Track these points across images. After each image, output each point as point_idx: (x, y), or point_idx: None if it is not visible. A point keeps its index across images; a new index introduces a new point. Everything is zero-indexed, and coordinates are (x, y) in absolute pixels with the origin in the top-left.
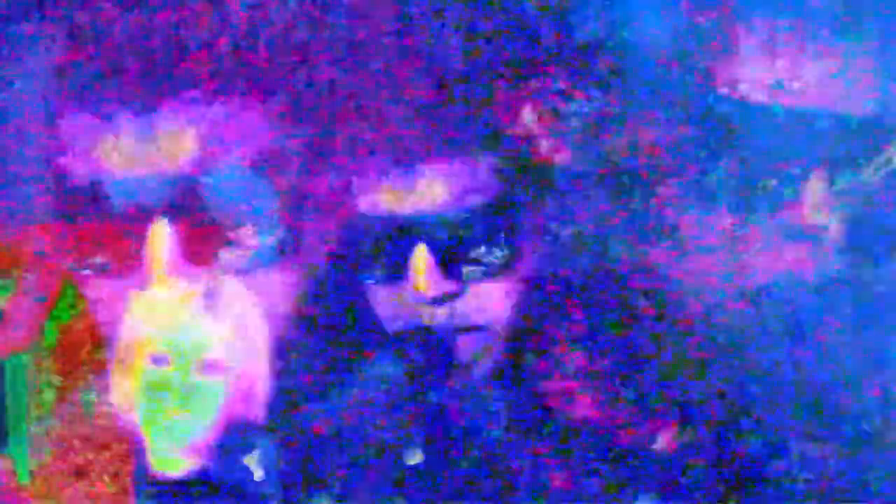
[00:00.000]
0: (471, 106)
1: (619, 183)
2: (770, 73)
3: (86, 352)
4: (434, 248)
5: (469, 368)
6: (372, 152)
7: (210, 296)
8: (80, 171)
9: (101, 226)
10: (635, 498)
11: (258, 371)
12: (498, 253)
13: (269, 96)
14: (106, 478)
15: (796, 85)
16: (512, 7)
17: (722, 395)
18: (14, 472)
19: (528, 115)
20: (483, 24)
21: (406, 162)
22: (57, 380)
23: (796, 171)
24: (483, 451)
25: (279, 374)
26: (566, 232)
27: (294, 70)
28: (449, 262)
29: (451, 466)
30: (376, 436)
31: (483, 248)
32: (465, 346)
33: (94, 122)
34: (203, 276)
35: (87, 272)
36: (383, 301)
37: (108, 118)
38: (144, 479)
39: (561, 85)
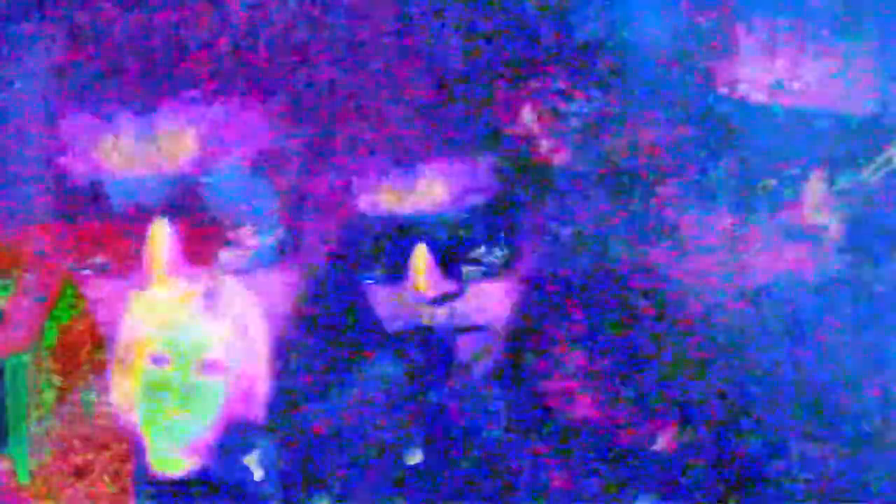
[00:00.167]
0: (471, 106)
1: (619, 183)
2: (770, 74)
3: (85, 352)
4: (434, 247)
5: (469, 368)
6: (372, 152)
7: (209, 296)
8: (79, 170)
9: (102, 226)
10: (635, 498)
11: (258, 371)
12: (498, 252)
13: (268, 96)
14: (106, 478)
15: (796, 85)
16: (512, 7)
17: (722, 395)
18: (14, 472)
19: (527, 114)
20: (483, 24)
21: (406, 162)
22: (57, 380)
23: (796, 171)
24: (483, 451)
25: (280, 374)
26: (566, 232)
27: (294, 70)
28: (449, 261)
29: (450, 466)
30: (376, 436)
31: (483, 248)
32: (465, 346)
33: (94, 122)
34: (203, 277)
35: (87, 272)
36: (383, 301)
37: (107, 118)
38: (144, 479)
39: (561, 85)
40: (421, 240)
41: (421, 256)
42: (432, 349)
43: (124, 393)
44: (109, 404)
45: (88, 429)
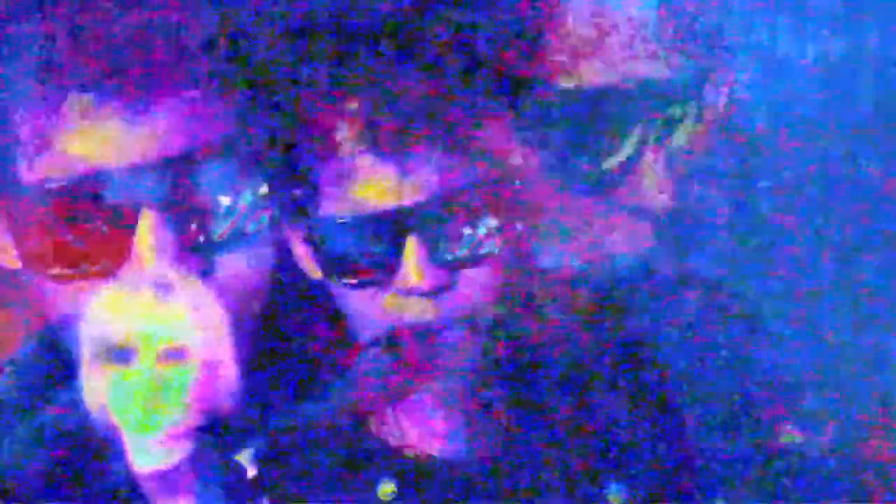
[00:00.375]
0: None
1: None
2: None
3: None
4: (423, 238)
5: (458, 364)
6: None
7: (163, 286)
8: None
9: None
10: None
11: (223, 357)
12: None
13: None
14: None
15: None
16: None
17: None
18: None
19: None
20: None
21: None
22: None
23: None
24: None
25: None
26: None
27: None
28: (437, 249)
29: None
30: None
31: (469, 229)
32: (454, 341)
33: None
34: (159, 267)
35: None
36: (367, 300)
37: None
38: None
39: None
40: (411, 232)
41: (412, 249)
42: (421, 346)
43: (93, 391)
44: None
45: None
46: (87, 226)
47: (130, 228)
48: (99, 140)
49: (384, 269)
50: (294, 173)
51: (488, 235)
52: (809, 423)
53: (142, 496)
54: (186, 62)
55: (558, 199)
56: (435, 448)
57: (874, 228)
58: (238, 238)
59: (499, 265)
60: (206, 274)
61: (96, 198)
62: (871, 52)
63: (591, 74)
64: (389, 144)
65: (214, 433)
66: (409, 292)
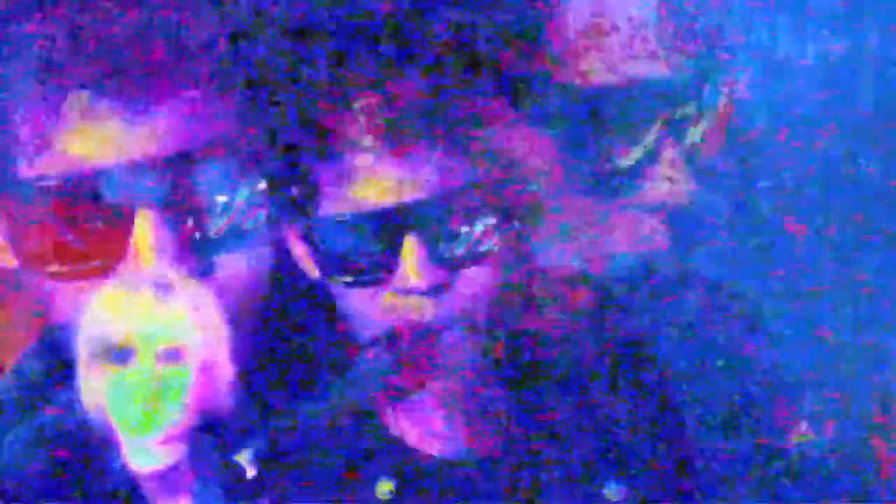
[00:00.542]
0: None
1: None
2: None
3: None
4: (421, 237)
5: (458, 364)
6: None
7: (163, 286)
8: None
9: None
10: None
11: (222, 358)
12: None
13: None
14: None
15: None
16: None
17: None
18: None
19: None
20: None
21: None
22: None
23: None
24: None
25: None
26: None
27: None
28: (436, 248)
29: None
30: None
31: (468, 228)
32: (454, 341)
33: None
34: (158, 267)
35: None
36: (367, 300)
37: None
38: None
39: None
40: (409, 231)
41: (410, 248)
42: (423, 344)
43: (91, 391)
44: None
45: None
46: (85, 225)
47: (129, 227)
48: (98, 139)
49: (383, 268)
50: (293, 172)
51: (487, 234)
52: (815, 422)
53: (141, 496)
54: (186, 62)
55: (560, 198)
56: (435, 448)
57: (874, 228)
58: (236, 236)
59: (498, 264)
60: (205, 273)
61: (95, 197)
62: (871, 52)
63: (593, 74)
64: (389, 144)
65: (213, 433)
66: (408, 291)
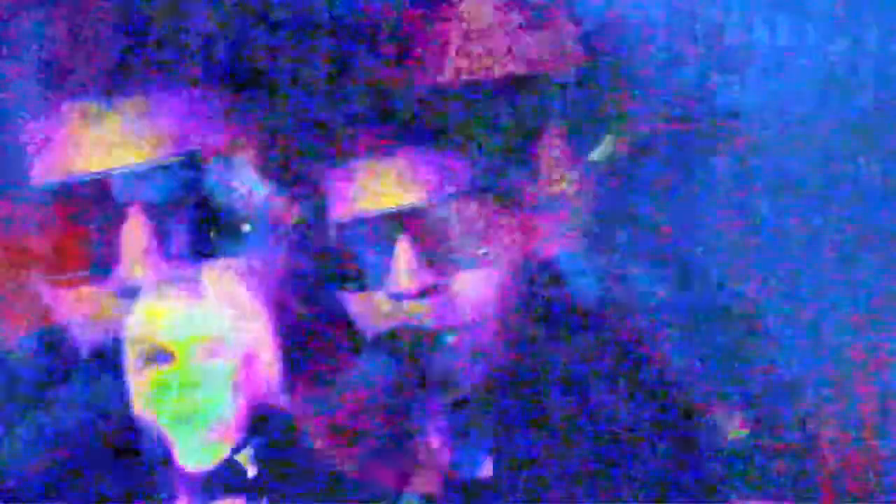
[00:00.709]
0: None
1: None
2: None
3: None
4: (414, 241)
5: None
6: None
7: (195, 283)
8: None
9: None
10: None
11: (263, 351)
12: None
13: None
14: None
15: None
16: None
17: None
18: None
19: None
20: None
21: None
22: None
23: None
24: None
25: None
26: None
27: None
28: (431, 253)
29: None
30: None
31: (462, 233)
32: (454, 343)
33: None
34: (187, 266)
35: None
36: (365, 302)
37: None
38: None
39: None
40: (402, 235)
41: (403, 250)
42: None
43: (140, 395)
44: None
45: None
46: (84, 228)
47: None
48: (99, 141)
49: (377, 272)
50: (293, 173)
51: (481, 238)
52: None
53: (142, 496)
54: (186, 62)
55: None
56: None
57: (874, 228)
58: (239, 238)
59: (494, 267)
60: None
61: (97, 199)
62: (870, 52)
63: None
64: (386, 147)
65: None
66: (400, 296)
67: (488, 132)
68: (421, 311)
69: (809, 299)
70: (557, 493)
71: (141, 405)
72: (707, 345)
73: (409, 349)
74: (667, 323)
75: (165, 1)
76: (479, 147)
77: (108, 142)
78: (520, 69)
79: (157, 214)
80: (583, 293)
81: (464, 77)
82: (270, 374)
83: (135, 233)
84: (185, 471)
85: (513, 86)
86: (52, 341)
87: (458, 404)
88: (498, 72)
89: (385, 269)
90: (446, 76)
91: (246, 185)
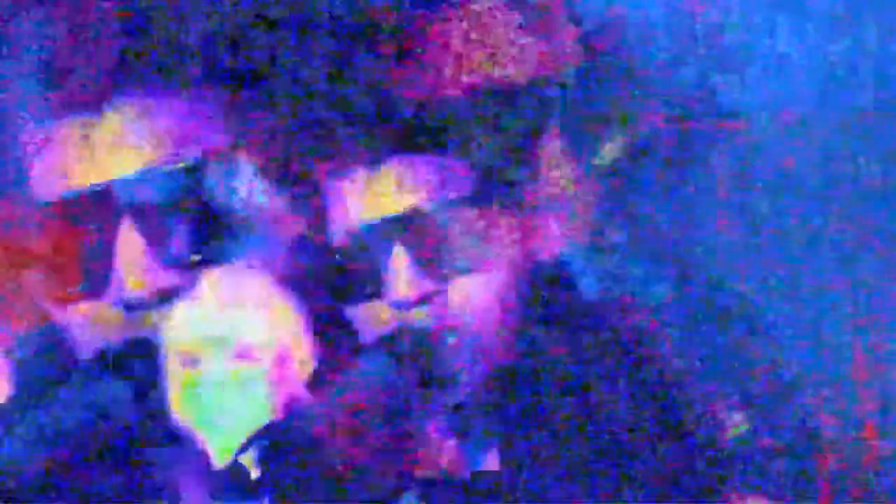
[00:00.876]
0: None
1: None
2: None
3: None
4: (410, 248)
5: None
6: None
7: (217, 285)
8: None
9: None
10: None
11: (295, 351)
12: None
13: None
14: None
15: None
16: None
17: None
18: None
19: None
20: None
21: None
22: None
23: None
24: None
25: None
26: None
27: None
28: (430, 259)
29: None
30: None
31: (459, 237)
32: (454, 345)
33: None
34: (207, 270)
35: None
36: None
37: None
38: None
39: None
40: (398, 242)
41: (400, 258)
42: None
43: (176, 398)
44: None
45: None
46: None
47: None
48: (98, 149)
49: (374, 279)
50: (294, 174)
51: (478, 243)
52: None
53: (140, 496)
54: (186, 62)
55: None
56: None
57: (874, 228)
58: (239, 241)
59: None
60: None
61: (98, 202)
62: (870, 52)
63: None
64: (385, 152)
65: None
66: (398, 304)
67: (488, 133)
68: (421, 318)
69: (809, 299)
70: (557, 492)
71: (178, 408)
72: (707, 345)
73: (409, 350)
74: (667, 323)
75: (165, 1)
76: (480, 148)
77: (107, 149)
78: (520, 69)
79: (156, 217)
80: (583, 293)
81: (464, 77)
82: (304, 372)
83: (128, 246)
84: (188, 472)
85: (513, 86)
86: (53, 341)
87: (458, 404)
88: (498, 72)
89: (379, 276)
90: (446, 77)
91: (246, 185)
